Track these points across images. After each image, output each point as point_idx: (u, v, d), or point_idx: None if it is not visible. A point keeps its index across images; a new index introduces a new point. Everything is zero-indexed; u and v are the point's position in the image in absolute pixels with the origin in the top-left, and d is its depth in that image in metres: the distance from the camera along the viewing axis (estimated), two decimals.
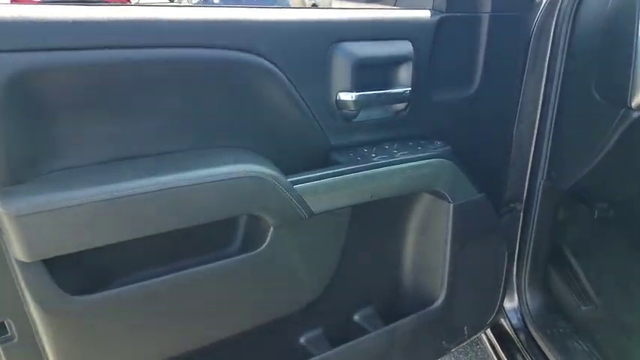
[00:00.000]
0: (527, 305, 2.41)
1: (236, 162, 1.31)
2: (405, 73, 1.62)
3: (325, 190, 1.44)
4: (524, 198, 2.13)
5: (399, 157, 1.58)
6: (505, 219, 2.14)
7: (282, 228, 1.40)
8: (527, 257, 2.23)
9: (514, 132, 1.96)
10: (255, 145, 1.43)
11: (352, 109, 1.54)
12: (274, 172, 1.34)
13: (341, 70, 1.48)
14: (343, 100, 1.52)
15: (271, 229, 1.38)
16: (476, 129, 1.86)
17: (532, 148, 1.84)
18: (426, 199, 1.77)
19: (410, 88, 1.63)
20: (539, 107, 1.78)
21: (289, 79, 1.40)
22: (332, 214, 1.48)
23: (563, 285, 2.07)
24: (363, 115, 1.60)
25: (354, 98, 1.52)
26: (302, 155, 1.51)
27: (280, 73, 1.38)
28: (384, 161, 1.54)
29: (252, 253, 1.38)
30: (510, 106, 1.87)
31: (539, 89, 1.75)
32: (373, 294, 1.86)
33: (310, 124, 1.50)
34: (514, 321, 2.39)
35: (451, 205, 1.73)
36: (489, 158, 1.96)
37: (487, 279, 2.02)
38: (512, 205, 2.19)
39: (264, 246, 1.38)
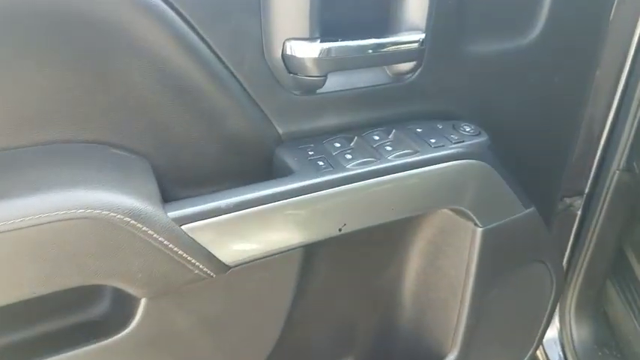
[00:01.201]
0: (570, 335, 1.79)
1: (64, 185, 0.65)
2: (415, 6, 0.90)
3: (253, 226, 0.79)
4: (587, 193, 1.49)
5: (398, 158, 0.91)
6: (557, 222, 1.50)
7: (164, 298, 0.76)
8: (580, 271, 1.64)
9: (588, 107, 1.25)
10: (131, 140, 0.77)
11: (314, 73, 0.85)
12: (139, 204, 0.68)
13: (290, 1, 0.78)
14: (297, 58, 0.83)
15: (142, 301, 0.75)
16: (531, 102, 1.15)
17: (606, 129, 1.35)
18: (441, 215, 1.11)
19: (424, 35, 0.92)
20: (625, 74, 1.24)
21: (188, 23, 0.72)
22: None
23: (624, 306, 1.63)
24: (334, 84, 0.91)
25: (317, 54, 0.83)
26: (222, 159, 0.85)
27: (172, 14, 0.69)
28: (370, 168, 0.87)
29: (109, 340, 0.75)
30: (584, 69, 1.16)
31: (627, 47, 1.18)
32: (354, 347, 1.25)
33: (236, 102, 0.82)
34: (552, 356, 1.79)
35: (479, 230, 1.06)
36: (547, 144, 1.27)
37: (524, 317, 1.38)
38: (568, 202, 1.55)
39: (129, 329, 0.76)
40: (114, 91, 0.72)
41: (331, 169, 0.85)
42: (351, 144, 0.94)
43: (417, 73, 0.98)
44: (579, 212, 1.63)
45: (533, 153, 1.23)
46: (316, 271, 1.04)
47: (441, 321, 1.23)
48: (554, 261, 1.31)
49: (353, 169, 0.86)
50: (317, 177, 0.83)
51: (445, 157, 0.95)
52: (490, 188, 1.04)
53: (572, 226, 1.67)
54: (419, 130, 1.00)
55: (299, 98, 0.89)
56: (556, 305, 1.43)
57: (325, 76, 0.86)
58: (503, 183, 1.06)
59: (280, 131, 0.90)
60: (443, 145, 0.96)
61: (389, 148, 0.92)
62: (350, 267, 1.13)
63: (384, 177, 0.88)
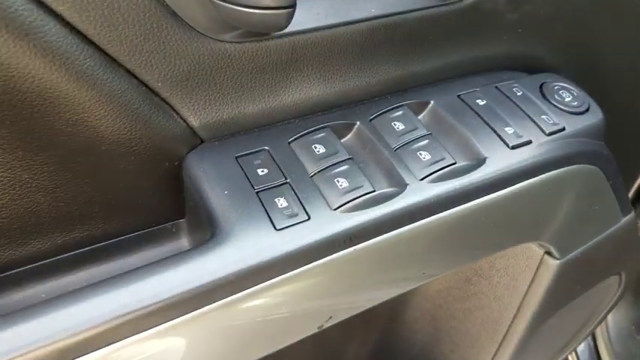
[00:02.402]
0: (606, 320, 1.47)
1: None
2: None
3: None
4: None
5: (441, 181, 0.44)
6: None
7: None
8: None
9: None
10: None
11: None
12: None
13: None
14: None
15: None
16: None
17: None
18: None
19: None
20: None
21: None
22: None
23: None
24: (308, 17, 0.40)
25: None
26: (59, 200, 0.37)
27: None
28: (382, 215, 0.41)
29: None
30: None
31: None
32: None
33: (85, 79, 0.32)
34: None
35: (554, 262, 0.63)
36: None
37: (572, 327, 1.01)
38: None
39: None
40: None
41: (307, 218, 0.39)
42: (347, 142, 0.46)
43: None
44: None
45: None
46: None
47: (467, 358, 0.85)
48: (632, 269, 0.90)
49: (353, 214, 0.40)
50: (277, 246, 0.37)
51: (532, 167, 0.48)
52: (590, 204, 0.59)
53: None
54: (479, 101, 0.51)
55: (235, 51, 0.39)
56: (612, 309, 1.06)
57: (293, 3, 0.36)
58: (610, 192, 0.60)
59: (194, 122, 0.41)
60: (526, 141, 0.48)
61: (425, 156, 0.45)
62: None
63: (414, 227, 0.42)
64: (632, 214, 0.71)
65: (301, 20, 0.41)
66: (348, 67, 0.46)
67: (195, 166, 0.41)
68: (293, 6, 0.35)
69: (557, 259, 0.63)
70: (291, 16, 0.36)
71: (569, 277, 0.69)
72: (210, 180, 0.39)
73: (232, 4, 0.34)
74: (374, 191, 0.41)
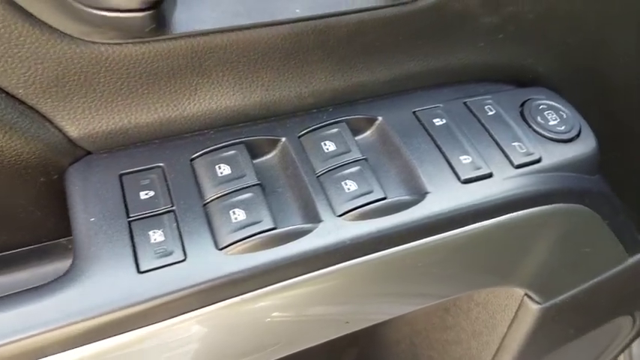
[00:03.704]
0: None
1: None
2: None
3: None
4: None
5: (365, 219, 0.37)
6: None
7: None
8: None
9: None
10: None
11: None
12: None
13: None
14: None
15: None
16: None
17: None
18: None
19: None
20: None
21: None
22: None
23: None
24: (214, 15, 0.34)
25: None
26: None
27: None
28: (288, 257, 0.34)
29: None
30: None
31: None
32: None
33: None
34: None
35: (535, 307, 0.54)
36: None
37: None
38: None
39: None
40: None
41: (182, 259, 0.33)
42: (267, 162, 0.39)
43: None
44: None
45: None
46: None
47: None
48: None
49: (243, 257, 0.33)
50: (135, 294, 0.31)
51: (489, 207, 0.40)
52: (578, 247, 0.50)
53: None
54: (437, 120, 0.43)
55: (114, 54, 0.33)
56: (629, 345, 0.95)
57: None
58: (607, 232, 0.51)
59: (73, 132, 0.35)
60: (484, 174, 0.40)
61: (350, 187, 0.37)
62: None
63: (323, 273, 0.35)
64: (635, 259, 0.61)
65: (205, 20, 0.35)
66: (272, 75, 0.39)
67: (72, 181, 0.35)
68: (153, 8, 0.28)
69: (539, 303, 0.54)
70: (155, 19, 0.29)
71: (556, 322, 0.60)
72: (80, 201, 0.34)
73: (86, 6, 0.28)
74: (274, 229, 0.34)
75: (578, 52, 0.50)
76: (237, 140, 0.38)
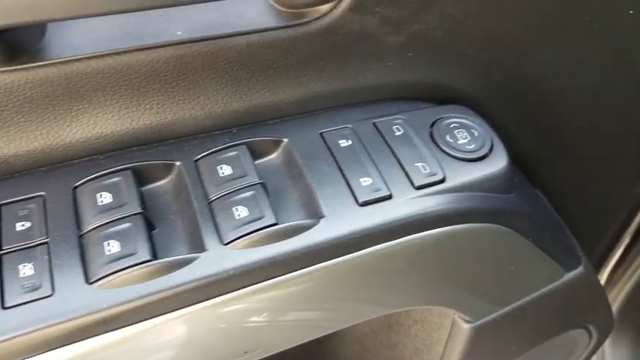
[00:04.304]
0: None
1: None
2: None
3: None
4: None
5: (252, 249, 0.36)
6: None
7: None
8: (634, 273, 1.15)
9: None
10: None
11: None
12: None
13: None
14: None
15: None
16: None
17: None
18: None
19: None
20: None
21: None
22: None
23: None
24: (87, 38, 0.33)
25: None
26: None
27: None
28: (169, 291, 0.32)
29: None
30: None
31: None
32: None
33: None
34: None
35: (465, 327, 0.53)
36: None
37: None
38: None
39: None
40: None
41: (49, 294, 0.32)
42: (160, 187, 0.38)
43: (343, 3, 0.38)
44: None
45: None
46: None
47: None
48: (601, 320, 0.78)
49: (115, 291, 0.32)
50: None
51: (386, 229, 0.39)
52: (501, 266, 0.49)
53: (637, 212, 1.13)
54: (343, 141, 0.42)
55: None
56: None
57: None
58: (534, 250, 0.50)
59: None
60: (383, 196, 0.39)
61: (241, 213, 0.36)
62: None
63: (206, 306, 0.34)
64: (581, 269, 0.60)
65: (79, 45, 0.34)
66: (161, 98, 0.38)
67: None
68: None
69: (470, 322, 0.53)
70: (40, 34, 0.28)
71: (493, 339, 0.59)
72: None
73: None
74: (150, 260, 0.33)
75: (500, 68, 0.49)
76: (123, 166, 0.37)
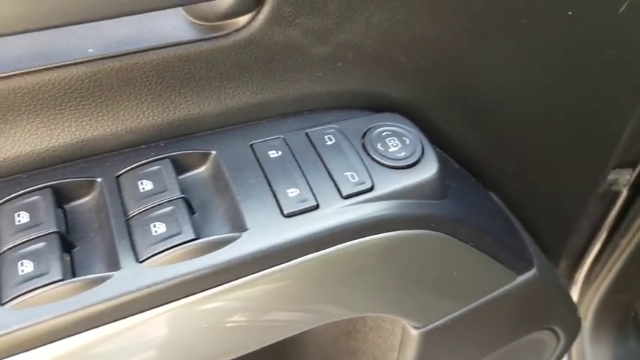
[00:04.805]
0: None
1: None
2: None
3: None
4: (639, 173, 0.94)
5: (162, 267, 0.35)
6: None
7: None
8: (610, 270, 1.15)
9: None
10: None
11: None
12: None
13: None
14: None
15: None
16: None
17: None
18: None
19: None
20: None
21: None
22: None
23: None
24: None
25: None
26: None
27: None
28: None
29: None
30: None
31: None
32: None
33: None
34: None
35: (414, 332, 0.53)
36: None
37: None
38: (609, 178, 1.03)
39: None
40: None
41: None
42: (82, 205, 0.38)
43: (261, 16, 0.38)
44: (625, 191, 1.10)
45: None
46: None
47: None
48: (566, 321, 0.78)
49: (21, 312, 0.32)
50: None
51: (313, 239, 0.39)
52: (443, 271, 0.49)
53: (610, 209, 1.14)
54: (273, 152, 0.42)
55: None
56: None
57: None
58: (478, 254, 0.50)
59: None
60: (310, 206, 0.39)
61: (159, 229, 0.36)
62: None
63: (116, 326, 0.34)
64: (534, 271, 0.60)
65: None
66: (78, 115, 0.38)
67: None
68: None
69: (418, 328, 0.53)
70: None
71: (446, 344, 0.59)
72: None
73: None
74: (61, 280, 0.33)
75: (435, 74, 0.49)
76: (43, 184, 0.37)
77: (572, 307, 0.78)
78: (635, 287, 1.21)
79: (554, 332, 0.77)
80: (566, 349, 0.87)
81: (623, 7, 0.51)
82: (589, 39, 0.53)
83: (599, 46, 0.54)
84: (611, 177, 1.06)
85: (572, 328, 0.81)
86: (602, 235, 1.15)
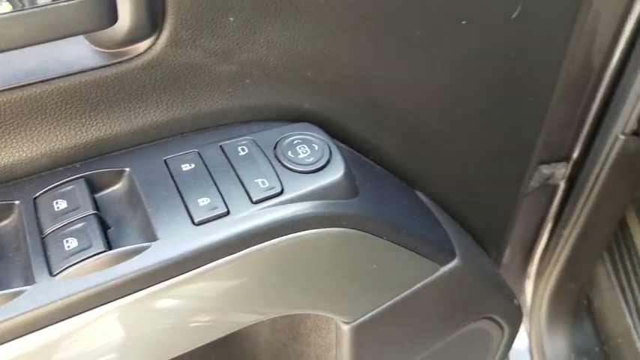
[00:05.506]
0: (541, 341, 1.41)
1: None
2: None
3: None
4: (575, 160, 1.04)
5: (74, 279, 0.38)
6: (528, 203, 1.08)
7: None
8: (558, 258, 1.21)
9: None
10: None
11: None
12: None
13: None
14: None
15: None
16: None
17: (604, 83, 0.89)
18: None
19: None
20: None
21: None
22: None
23: (615, 298, 1.25)
24: None
25: None
26: None
27: None
28: None
29: None
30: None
31: None
32: None
33: None
34: None
35: (345, 327, 0.56)
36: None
37: None
38: (546, 172, 1.08)
39: None
40: None
41: None
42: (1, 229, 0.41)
43: (161, 40, 0.41)
44: (562, 184, 1.16)
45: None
46: None
47: None
48: (505, 309, 0.82)
49: None
50: None
51: (224, 243, 0.41)
52: (365, 265, 0.52)
53: (552, 202, 1.20)
54: (186, 166, 0.45)
55: None
56: (507, 352, 0.97)
57: None
58: (394, 248, 0.53)
59: None
60: (220, 213, 0.42)
61: (71, 244, 0.39)
62: None
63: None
64: (456, 261, 0.63)
65: None
66: None
67: None
68: None
69: (348, 322, 0.56)
70: None
71: (378, 338, 0.61)
72: None
73: None
74: None
75: (344, 87, 0.52)
76: None
77: (510, 295, 0.82)
78: (583, 276, 1.26)
79: (496, 322, 0.80)
80: (513, 337, 0.91)
81: (515, 13, 0.55)
82: (490, 44, 0.57)
83: (502, 49, 0.59)
84: (546, 171, 1.12)
85: (513, 316, 0.84)
86: (547, 228, 1.21)
